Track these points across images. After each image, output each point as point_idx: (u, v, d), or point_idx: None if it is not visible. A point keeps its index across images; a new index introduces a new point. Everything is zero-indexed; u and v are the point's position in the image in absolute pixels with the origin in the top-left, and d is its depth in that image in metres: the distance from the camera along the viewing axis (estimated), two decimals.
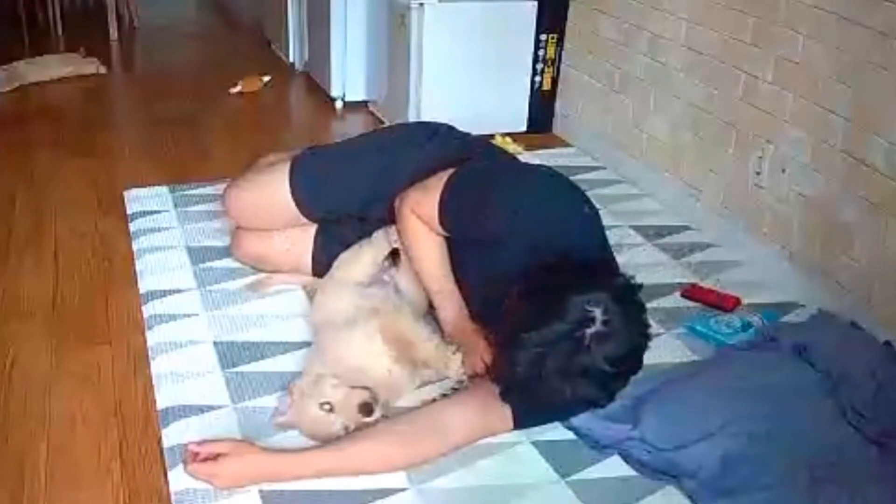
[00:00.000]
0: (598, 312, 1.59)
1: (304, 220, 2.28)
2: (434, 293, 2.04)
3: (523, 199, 1.89)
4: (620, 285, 1.68)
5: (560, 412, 1.85)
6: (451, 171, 1.99)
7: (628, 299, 1.66)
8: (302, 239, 2.31)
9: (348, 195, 2.24)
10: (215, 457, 1.63)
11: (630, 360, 1.66)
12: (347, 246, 2.23)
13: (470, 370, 1.87)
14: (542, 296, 1.65)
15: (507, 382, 1.68)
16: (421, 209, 1.99)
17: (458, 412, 1.79)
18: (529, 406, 1.76)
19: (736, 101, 2.73)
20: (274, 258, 2.37)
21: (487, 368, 1.84)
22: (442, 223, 1.96)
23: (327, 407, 1.73)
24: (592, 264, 1.75)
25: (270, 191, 2.29)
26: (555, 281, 1.66)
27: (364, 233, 2.23)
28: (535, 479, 1.73)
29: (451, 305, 2.01)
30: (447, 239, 2.02)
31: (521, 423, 1.82)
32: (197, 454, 1.64)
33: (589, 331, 1.58)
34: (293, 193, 2.25)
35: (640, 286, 1.70)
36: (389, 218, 2.12)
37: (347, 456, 1.69)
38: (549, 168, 2.20)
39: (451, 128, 2.32)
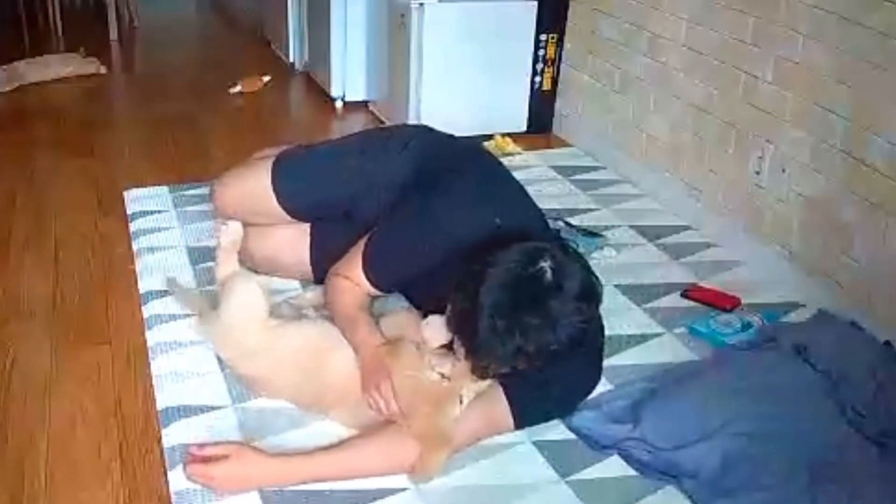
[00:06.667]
0: (545, 259, 1.61)
1: (289, 217, 2.26)
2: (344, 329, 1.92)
3: (420, 229, 1.92)
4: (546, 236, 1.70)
5: (562, 401, 1.86)
6: (363, 240, 2.00)
7: (554, 238, 1.68)
8: (299, 241, 2.29)
9: (327, 194, 2.22)
10: (215, 459, 1.63)
11: (594, 290, 1.66)
12: (335, 247, 2.13)
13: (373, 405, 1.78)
14: (478, 263, 1.64)
15: (496, 367, 1.65)
16: (352, 279, 1.99)
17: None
18: (536, 390, 1.75)
19: (736, 101, 2.73)
20: (271, 261, 2.33)
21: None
22: (378, 287, 1.99)
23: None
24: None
25: (252, 185, 2.27)
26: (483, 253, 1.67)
27: (354, 233, 2.12)
28: (535, 479, 1.73)
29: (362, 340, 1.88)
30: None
31: (521, 422, 1.81)
32: (196, 456, 1.64)
33: (546, 264, 1.60)
34: (274, 188, 2.23)
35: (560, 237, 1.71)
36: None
37: (354, 457, 1.69)
38: (468, 187, 2.04)
39: (432, 130, 2.30)
